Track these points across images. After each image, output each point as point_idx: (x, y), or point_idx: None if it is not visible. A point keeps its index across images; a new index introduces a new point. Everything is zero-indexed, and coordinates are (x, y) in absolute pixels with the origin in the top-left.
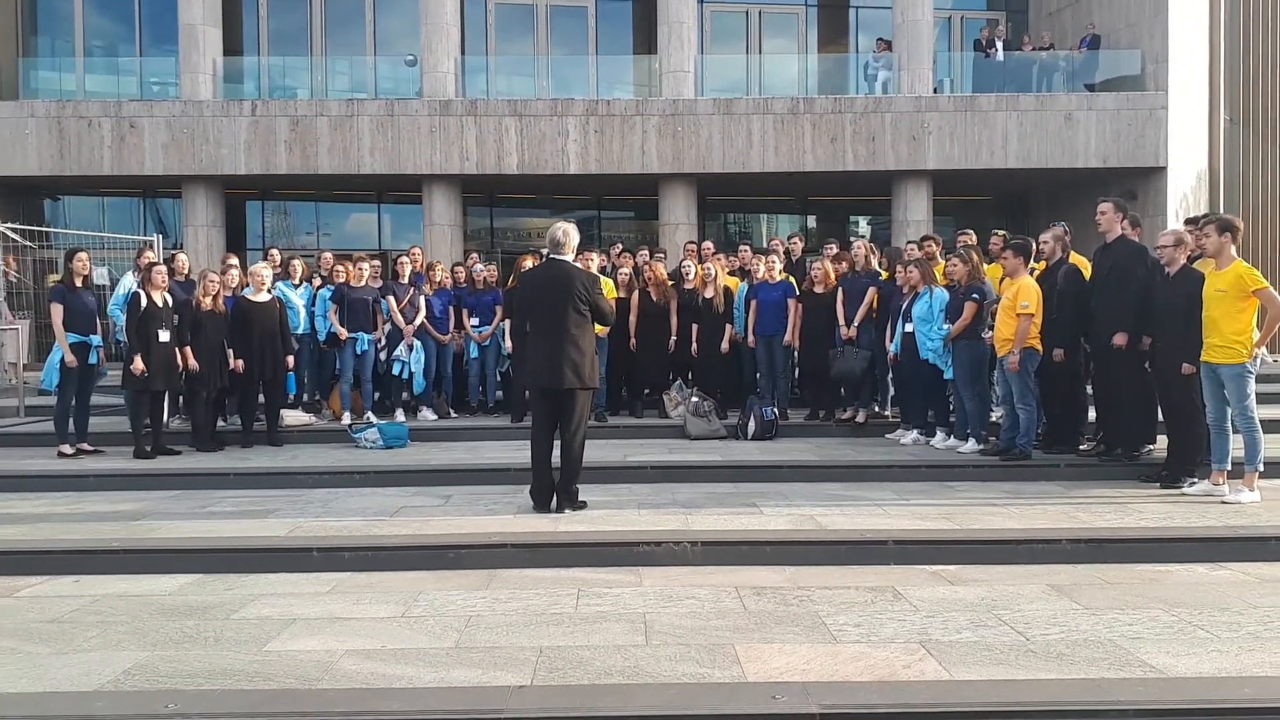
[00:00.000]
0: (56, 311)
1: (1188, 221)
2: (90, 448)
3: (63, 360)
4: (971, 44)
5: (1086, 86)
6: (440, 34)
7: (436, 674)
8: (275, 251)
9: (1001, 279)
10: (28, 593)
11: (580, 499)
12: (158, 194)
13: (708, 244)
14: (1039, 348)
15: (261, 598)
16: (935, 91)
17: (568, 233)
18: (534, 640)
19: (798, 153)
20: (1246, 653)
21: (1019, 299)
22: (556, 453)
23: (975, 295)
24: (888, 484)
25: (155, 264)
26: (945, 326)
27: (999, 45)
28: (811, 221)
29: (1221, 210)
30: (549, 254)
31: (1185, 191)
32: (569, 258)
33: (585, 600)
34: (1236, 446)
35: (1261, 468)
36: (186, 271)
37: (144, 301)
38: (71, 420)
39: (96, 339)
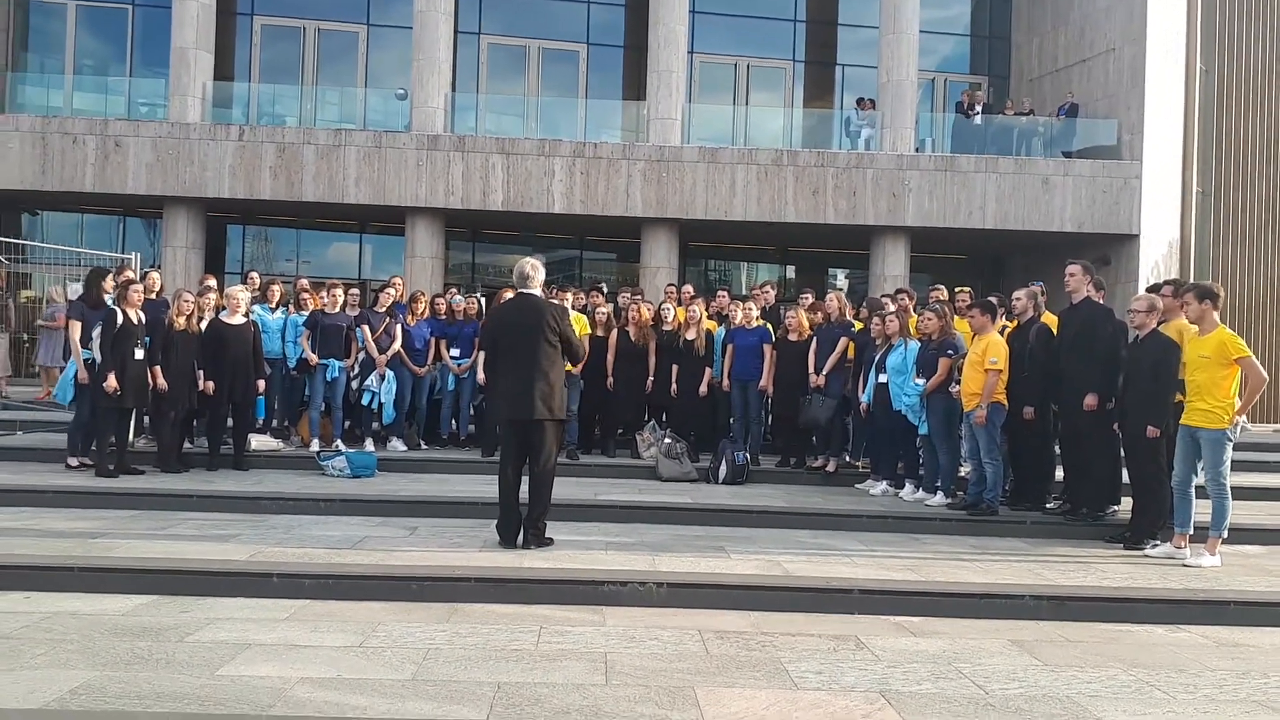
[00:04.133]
0: (75, 327)
1: (1150, 288)
2: (91, 462)
3: (77, 375)
4: (954, 106)
5: (1064, 153)
6: (432, 69)
7: (391, 705)
8: (255, 275)
9: (973, 336)
10: None
11: (547, 536)
12: (138, 213)
13: (687, 287)
14: (1005, 403)
15: (217, 621)
16: (917, 150)
17: (535, 266)
18: (492, 676)
19: (780, 203)
20: (1201, 714)
21: (987, 355)
22: (525, 488)
23: (950, 351)
24: (856, 534)
25: (132, 282)
26: (918, 381)
27: (980, 109)
28: (791, 271)
29: (1193, 278)
30: (517, 288)
31: (1157, 259)
32: (537, 291)
33: (546, 637)
34: (1199, 511)
35: (1225, 534)
36: (158, 290)
37: (119, 319)
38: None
39: None
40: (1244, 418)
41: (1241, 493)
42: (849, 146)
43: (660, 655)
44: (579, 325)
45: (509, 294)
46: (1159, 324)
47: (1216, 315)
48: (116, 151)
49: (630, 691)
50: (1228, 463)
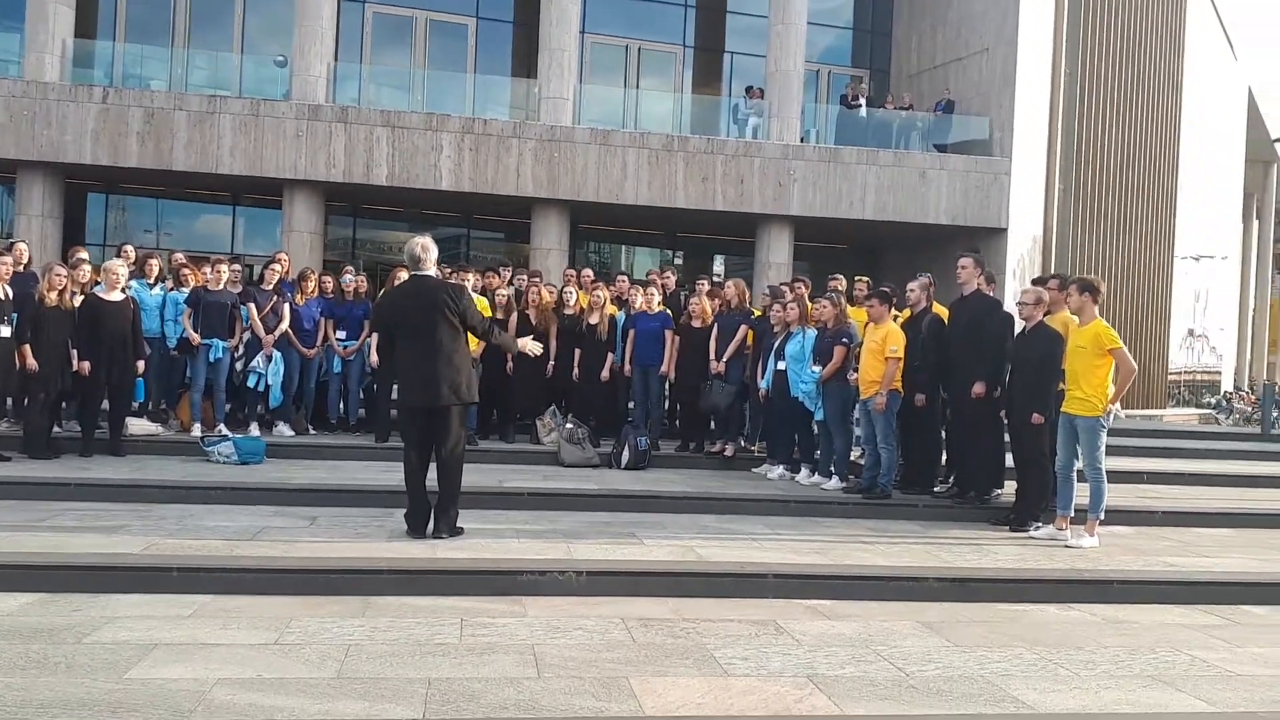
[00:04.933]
0: None
1: (1035, 281)
2: None
3: None
4: (838, 98)
5: (938, 148)
6: (314, 37)
7: (320, 706)
8: (130, 248)
9: (866, 323)
10: None
11: (458, 524)
12: None
13: (587, 271)
14: (901, 390)
15: (116, 620)
16: (802, 141)
17: (426, 247)
18: (421, 671)
19: (670, 189)
20: (1105, 690)
21: (888, 343)
22: (430, 474)
23: (845, 339)
24: (759, 518)
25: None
26: (815, 369)
27: (863, 101)
28: (679, 257)
29: (1053, 270)
30: (410, 270)
31: (1023, 253)
32: (431, 272)
33: (470, 630)
34: (1079, 494)
35: (1103, 515)
36: (26, 262)
37: None
38: None
39: None
40: (1117, 405)
41: (1112, 476)
42: (737, 134)
43: (588, 645)
44: (480, 307)
45: (402, 274)
46: (1044, 315)
47: (1096, 308)
48: None
49: (564, 684)
50: (1103, 448)
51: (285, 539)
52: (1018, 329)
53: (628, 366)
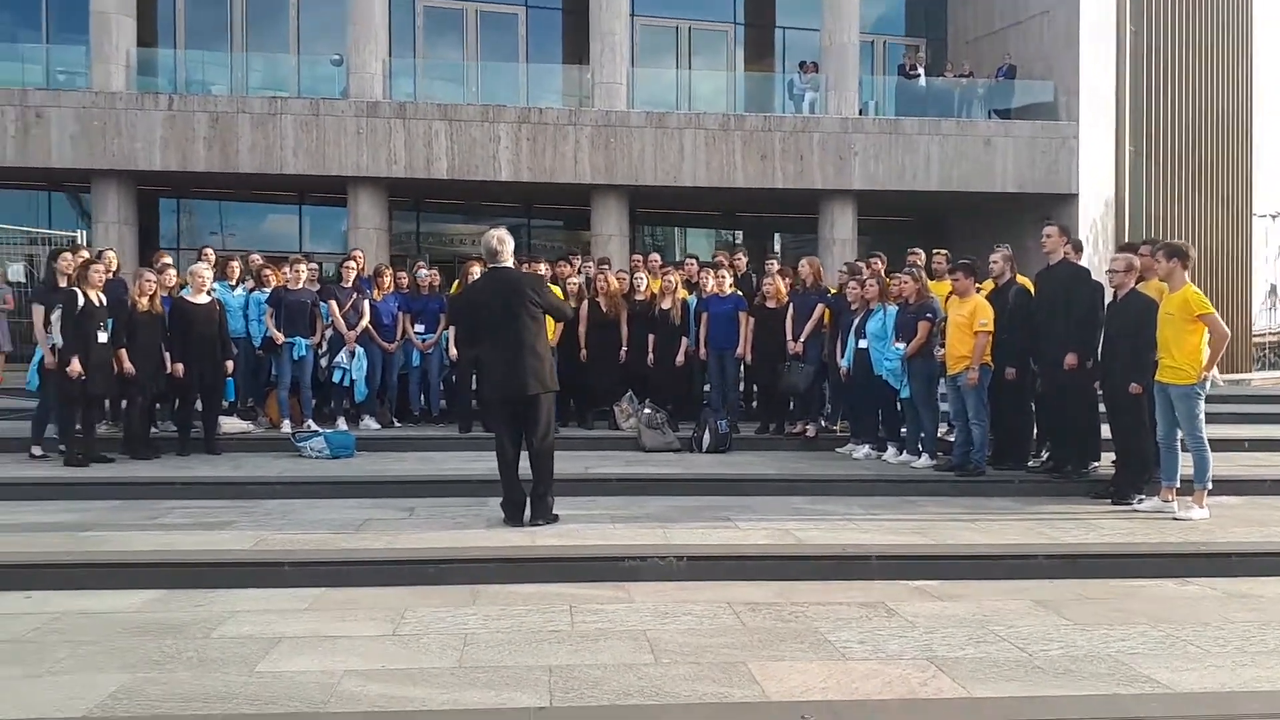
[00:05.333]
0: (38, 312)
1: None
2: (49, 452)
3: (42, 361)
4: (895, 69)
5: (1001, 114)
6: (368, 35)
7: (448, 695)
8: (210, 251)
9: (947, 296)
10: None
11: (554, 511)
12: (63, 188)
13: (654, 256)
14: (991, 364)
15: (237, 615)
16: (861, 113)
17: (502, 239)
18: (539, 659)
19: (728, 168)
20: (1241, 667)
21: (976, 317)
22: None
23: (929, 314)
24: (851, 498)
25: (92, 261)
26: (899, 346)
27: (922, 70)
28: (738, 237)
29: (1128, 236)
30: (487, 263)
31: (1095, 218)
32: (509, 263)
33: (580, 617)
34: (1184, 464)
35: (1210, 485)
36: (115, 269)
37: (81, 300)
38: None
39: None
40: (1215, 371)
41: (1213, 445)
42: (792, 110)
43: (699, 630)
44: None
45: (475, 268)
46: (1137, 282)
47: (1186, 274)
48: (38, 123)
49: (683, 669)
50: (1201, 416)
51: (388, 531)
52: (1108, 297)
53: (702, 350)
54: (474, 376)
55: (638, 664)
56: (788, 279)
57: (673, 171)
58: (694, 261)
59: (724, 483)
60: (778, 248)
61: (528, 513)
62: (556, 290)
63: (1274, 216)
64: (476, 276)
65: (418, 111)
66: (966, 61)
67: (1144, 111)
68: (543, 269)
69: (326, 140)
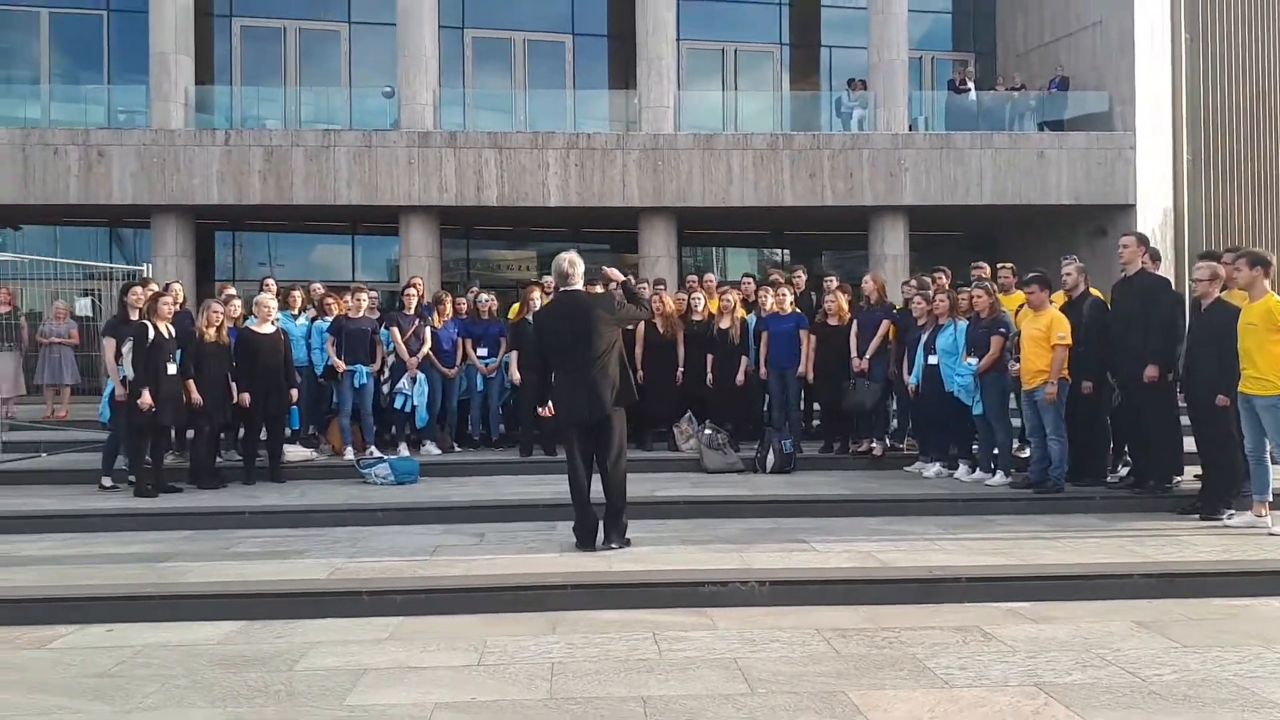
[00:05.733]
0: (109, 345)
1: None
2: (118, 484)
3: (113, 393)
4: (945, 84)
5: (1053, 126)
6: (418, 66)
7: None
8: (271, 281)
9: (1017, 310)
10: (60, 644)
11: (627, 535)
12: (123, 223)
13: (710, 275)
14: (1069, 378)
15: (318, 645)
16: (911, 129)
17: (574, 262)
18: (631, 689)
19: (777, 188)
20: None
21: (1053, 330)
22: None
23: (1002, 329)
24: (926, 518)
25: (161, 294)
26: (970, 361)
27: (972, 85)
28: (786, 255)
29: (1187, 245)
30: (557, 286)
31: (1154, 228)
32: (579, 286)
33: (666, 645)
34: (1276, 477)
35: None
36: (181, 301)
37: (150, 333)
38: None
39: None
40: None
41: None
42: (841, 128)
43: (790, 658)
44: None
45: (536, 293)
46: (1221, 291)
47: (1268, 282)
48: (100, 161)
49: (782, 699)
50: None
51: (461, 557)
52: (1193, 306)
53: (763, 369)
54: (537, 401)
55: (733, 694)
56: (848, 296)
57: (721, 192)
58: (751, 280)
59: (794, 504)
60: (824, 265)
61: (600, 537)
62: None
63: None
64: (536, 301)
65: (468, 140)
66: (1018, 74)
67: (1201, 119)
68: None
69: (379, 171)
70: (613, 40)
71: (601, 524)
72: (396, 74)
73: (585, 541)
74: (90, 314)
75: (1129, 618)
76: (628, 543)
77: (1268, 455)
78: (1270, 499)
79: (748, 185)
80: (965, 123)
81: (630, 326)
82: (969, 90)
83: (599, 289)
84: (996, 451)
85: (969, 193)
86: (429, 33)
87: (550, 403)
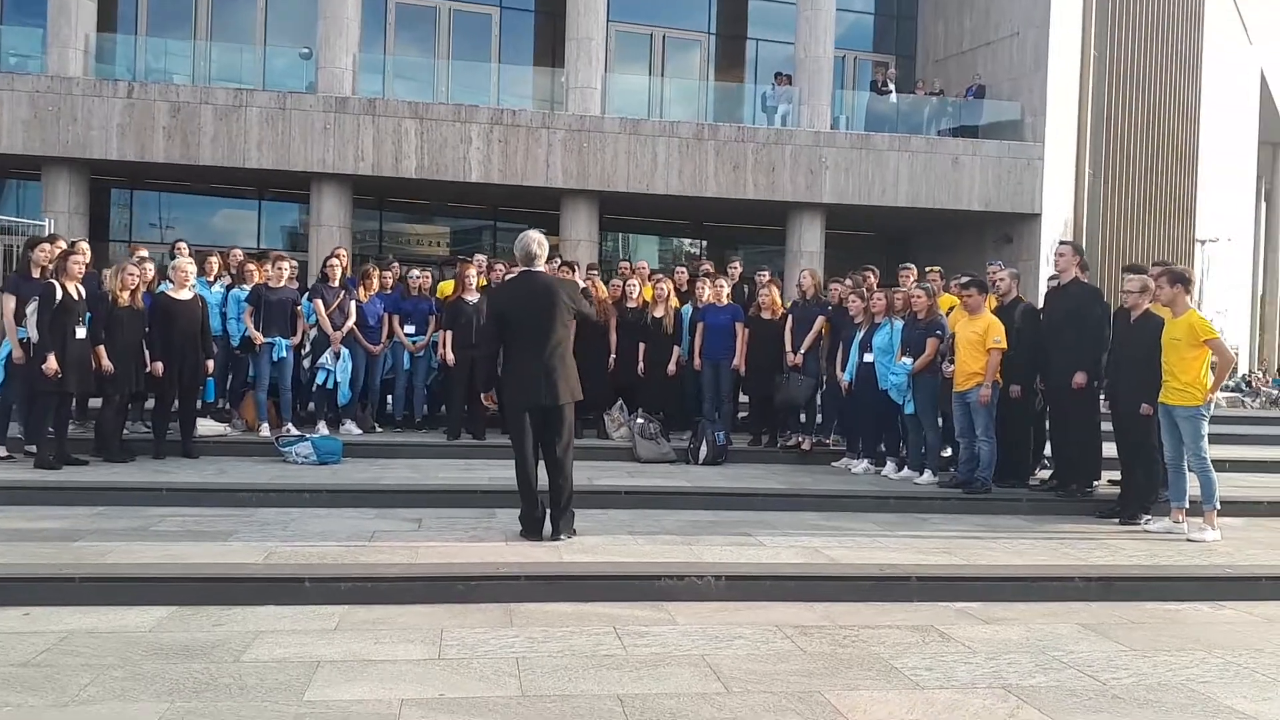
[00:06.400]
0: (8, 302)
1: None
2: (13, 453)
3: (9, 356)
4: (867, 84)
5: (968, 133)
6: (339, 29)
7: None
8: (183, 245)
9: (948, 312)
10: None
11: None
12: (10, 175)
13: (642, 263)
14: (1000, 381)
15: (263, 635)
16: (833, 128)
17: (541, 243)
18: (604, 686)
19: (701, 178)
20: None
21: (989, 334)
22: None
23: (938, 331)
24: (863, 514)
25: (71, 252)
26: (905, 361)
27: (893, 87)
28: (703, 246)
29: (1085, 256)
30: (522, 265)
31: (1055, 237)
32: (543, 268)
33: (629, 640)
34: (1191, 485)
35: (1219, 506)
36: (87, 261)
37: (59, 294)
38: None
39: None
40: (1217, 394)
41: (1222, 466)
42: (765, 122)
43: (758, 656)
44: None
45: (471, 270)
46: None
47: (1189, 299)
48: None
49: (759, 699)
50: (1205, 438)
51: (402, 543)
52: (1121, 318)
53: (697, 360)
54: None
55: (709, 693)
56: (780, 290)
57: (645, 178)
58: (684, 270)
59: (734, 497)
60: (739, 258)
61: (547, 527)
62: None
63: (1204, 242)
64: (472, 278)
65: (388, 109)
66: (938, 79)
67: (1102, 136)
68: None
69: (292, 135)
70: (540, 16)
71: (548, 514)
72: (315, 36)
73: (532, 530)
74: None
75: (1073, 620)
76: (574, 533)
77: (1185, 464)
78: (1187, 506)
79: (672, 173)
80: (883, 124)
81: (584, 321)
82: (890, 92)
83: (563, 274)
84: (926, 450)
85: (885, 194)
86: None
87: (495, 389)
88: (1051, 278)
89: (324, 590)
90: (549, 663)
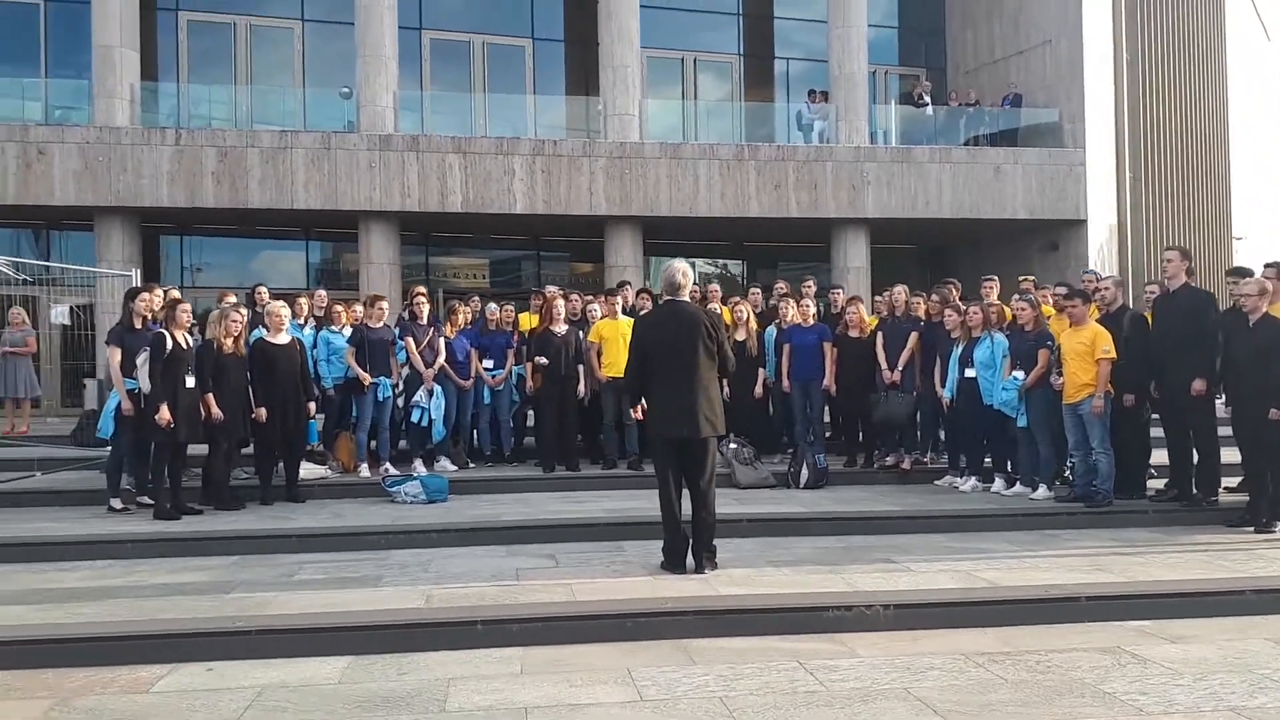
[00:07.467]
0: (114, 354)
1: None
2: (148, 501)
3: (119, 407)
4: (899, 98)
5: (1007, 142)
6: (379, 67)
7: None
8: (263, 289)
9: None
10: (163, 686)
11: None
12: (63, 226)
13: (714, 287)
14: (1112, 391)
15: (454, 681)
16: (872, 142)
17: (686, 273)
18: None
19: (743, 198)
20: None
21: (1098, 344)
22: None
23: (1048, 342)
24: (991, 534)
25: (180, 302)
26: (1018, 374)
27: (929, 99)
28: (745, 266)
29: (1130, 260)
30: (667, 296)
31: (1101, 243)
32: (687, 298)
33: (821, 675)
34: None
35: None
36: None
37: (169, 344)
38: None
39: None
40: None
41: None
42: (802, 140)
43: (961, 687)
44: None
45: (559, 302)
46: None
47: None
48: (40, 159)
49: None
50: None
51: (550, 580)
52: (1240, 322)
53: (786, 382)
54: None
55: None
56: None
57: (688, 202)
58: (758, 292)
59: (858, 521)
60: (782, 281)
61: (689, 560)
62: (626, 323)
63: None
64: (560, 309)
65: (430, 144)
66: (972, 90)
67: (1139, 138)
68: (619, 302)
69: (338, 174)
70: (570, 45)
71: (689, 546)
72: (355, 74)
73: (675, 563)
74: (65, 322)
75: (1259, 635)
76: (716, 565)
77: None
78: None
79: (714, 195)
80: (921, 137)
81: (722, 356)
82: (927, 104)
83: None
84: (1042, 465)
85: (929, 205)
86: (389, 32)
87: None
88: (1149, 284)
89: (496, 633)
90: (753, 701)
